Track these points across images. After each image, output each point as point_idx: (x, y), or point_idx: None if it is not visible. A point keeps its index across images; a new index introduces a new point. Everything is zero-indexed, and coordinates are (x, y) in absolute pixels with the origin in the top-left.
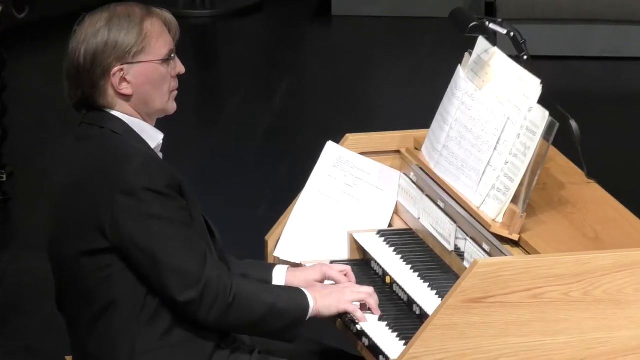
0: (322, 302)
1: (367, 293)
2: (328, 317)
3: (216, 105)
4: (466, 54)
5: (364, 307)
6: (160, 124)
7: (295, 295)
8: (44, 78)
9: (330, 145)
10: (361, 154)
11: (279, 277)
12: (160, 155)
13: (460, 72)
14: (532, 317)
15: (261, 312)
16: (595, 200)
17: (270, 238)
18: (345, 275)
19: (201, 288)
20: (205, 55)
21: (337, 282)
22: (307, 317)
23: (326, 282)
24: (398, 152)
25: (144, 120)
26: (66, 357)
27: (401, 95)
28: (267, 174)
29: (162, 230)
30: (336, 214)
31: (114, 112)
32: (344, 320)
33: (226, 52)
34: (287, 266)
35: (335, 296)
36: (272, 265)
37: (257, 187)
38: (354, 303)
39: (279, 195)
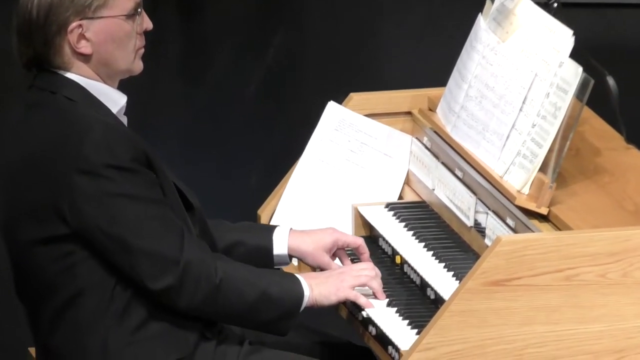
0: (318, 290)
1: (369, 276)
2: (328, 307)
3: (201, 62)
4: (487, 1)
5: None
6: (135, 83)
7: (288, 281)
8: None
9: (332, 106)
10: (367, 115)
11: (281, 240)
12: (124, 119)
13: (481, 22)
14: (563, 302)
15: (251, 299)
16: (636, 168)
17: (263, 212)
18: (358, 249)
19: (180, 273)
20: (189, 3)
21: (352, 248)
22: (302, 308)
23: (336, 261)
24: (409, 113)
25: (104, 82)
26: (29, 349)
27: (413, 50)
28: (260, 140)
29: (130, 210)
30: (338, 184)
31: (69, 75)
32: (348, 306)
33: (213, 0)
34: (288, 228)
35: (333, 283)
36: (272, 227)
37: (248, 154)
38: (357, 288)
39: (273, 163)
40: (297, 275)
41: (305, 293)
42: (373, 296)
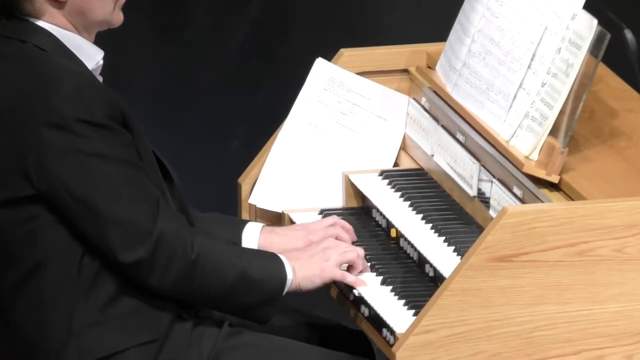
0: (302, 273)
1: (356, 253)
2: (314, 291)
3: (177, 15)
4: None
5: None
6: (102, 39)
7: (271, 263)
8: None
9: (320, 63)
10: (359, 73)
11: (251, 238)
12: (100, 79)
13: None
14: (575, 279)
15: (229, 280)
16: None
17: (244, 181)
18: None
19: (152, 245)
20: None
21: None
22: (284, 292)
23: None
24: (406, 71)
25: (80, 34)
26: None
27: (411, 0)
28: (241, 101)
29: (101, 172)
30: (328, 150)
31: (40, 23)
32: (338, 285)
33: None
34: (261, 225)
35: (317, 263)
36: (243, 223)
37: (228, 117)
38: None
39: (255, 127)
40: (281, 257)
41: (288, 276)
42: (360, 272)
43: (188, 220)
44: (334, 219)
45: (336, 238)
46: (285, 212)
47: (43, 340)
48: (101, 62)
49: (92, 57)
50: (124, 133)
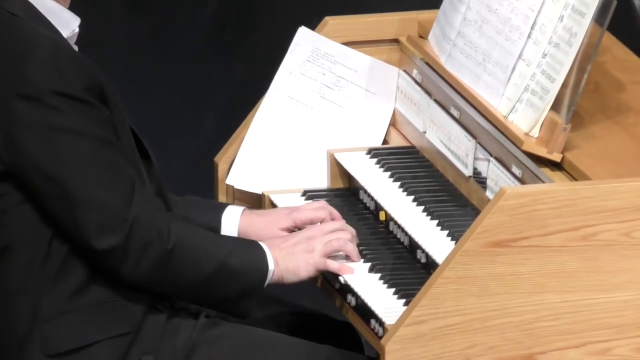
0: (285, 264)
1: (343, 239)
2: (298, 284)
3: None
4: None
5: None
6: (74, 6)
7: (251, 252)
8: None
9: (303, 33)
10: (345, 44)
11: (231, 223)
12: (76, 48)
13: None
14: (579, 266)
15: (207, 271)
16: None
17: (220, 160)
18: (323, 221)
19: (126, 232)
20: None
21: (316, 222)
22: (266, 284)
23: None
24: (396, 41)
25: None
26: None
27: None
28: (217, 73)
29: (75, 150)
30: (311, 126)
31: None
32: (323, 272)
33: None
34: (242, 208)
35: (300, 254)
36: (222, 207)
37: (204, 90)
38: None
39: (233, 101)
40: (262, 245)
41: (269, 267)
42: (349, 259)
43: (165, 204)
44: (322, 203)
45: (323, 222)
46: (266, 194)
47: (6, 329)
48: (77, 30)
49: (67, 24)
50: (102, 108)
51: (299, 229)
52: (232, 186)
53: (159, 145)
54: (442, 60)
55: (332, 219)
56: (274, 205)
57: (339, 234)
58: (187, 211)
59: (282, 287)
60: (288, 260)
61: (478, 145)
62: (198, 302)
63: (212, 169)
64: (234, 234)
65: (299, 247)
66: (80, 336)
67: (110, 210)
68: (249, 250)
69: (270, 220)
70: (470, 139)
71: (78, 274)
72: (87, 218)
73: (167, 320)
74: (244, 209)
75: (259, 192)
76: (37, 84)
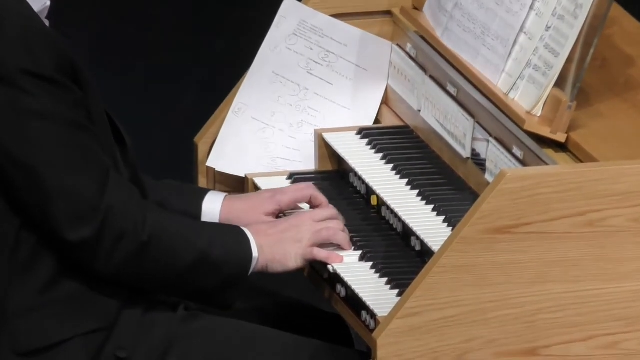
0: (271, 253)
1: (334, 228)
2: (283, 274)
3: None
4: None
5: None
6: None
7: (233, 239)
8: None
9: (289, 4)
10: (334, 16)
11: (212, 210)
12: (47, 23)
13: None
14: (585, 254)
15: (186, 263)
16: None
17: (200, 140)
18: (318, 207)
19: (98, 223)
20: None
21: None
22: (249, 273)
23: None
24: (389, 13)
25: None
26: None
27: None
28: (198, 47)
29: (46, 134)
30: (298, 104)
31: None
32: (312, 262)
33: None
34: (224, 194)
35: (288, 242)
36: (203, 192)
37: (183, 66)
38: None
39: (214, 77)
40: (246, 231)
41: (253, 255)
42: (339, 247)
43: (141, 192)
44: (307, 184)
45: (310, 202)
46: (249, 177)
47: None
48: (48, 3)
49: None
50: (74, 89)
51: (284, 214)
52: (213, 169)
53: (135, 126)
54: (438, 33)
55: (318, 204)
56: (257, 189)
57: (329, 222)
58: (165, 197)
59: (267, 276)
60: (274, 249)
61: (476, 125)
62: (177, 294)
63: (191, 150)
64: (215, 220)
65: (286, 235)
66: (52, 333)
67: (81, 200)
68: (231, 237)
69: (253, 205)
70: (468, 118)
71: (48, 266)
72: (57, 207)
73: (143, 314)
74: (226, 195)
75: (242, 175)
76: (5, 62)
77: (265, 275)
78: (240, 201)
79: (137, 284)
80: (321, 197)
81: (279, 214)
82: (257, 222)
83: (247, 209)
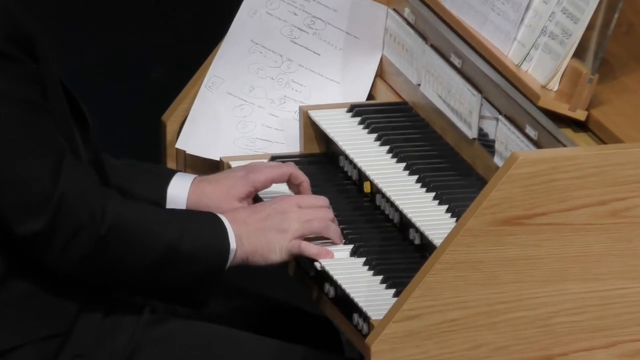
0: (251, 244)
1: (324, 218)
2: (265, 267)
3: None
4: None
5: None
6: None
7: (208, 230)
8: None
9: None
10: None
11: (178, 194)
12: None
13: None
14: (608, 248)
15: (152, 257)
16: None
17: (169, 119)
18: (299, 187)
19: (51, 213)
20: None
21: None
22: (226, 268)
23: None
24: None
25: None
26: None
27: None
28: (167, 13)
29: None
30: (280, 77)
31: None
32: (297, 258)
33: None
34: (192, 176)
35: (271, 233)
36: (169, 174)
37: (150, 34)
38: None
39: (184, 46)
40: (222, 218)
41: (230, 247)
42: (327, 241)
43: (102, 178)
44: (288, 164)
45: (289, 182)
46: (224, 160)
47: None
48: None
49: None
50: (27, 63)
51: (259, 199)
52: (184, 151)
53: (97, 103)
54: None
55: (299, 184)
56: None
57: (319, 212)
58: (127, 179)
59: (246, 269)
60: (255, 239)
61: (484, 101)
62: (142, 294)
63: (158, 130)
64: (182, 207)
65: (269, 223)
66: (1, 339)
67: (32, 188)
68: (204, 226)
69: (225, 188)
70: (475, 93)
71: None
72: (5, 197)
73: (104, 318)
74: (195, 178)
75: (216, 158)
76: None
77: (244, 272)
78: (210, 185)
79: (97, 281)
80: (302, 176)
81: (255, 197)
82: (231, 208)
83: (219, 193)
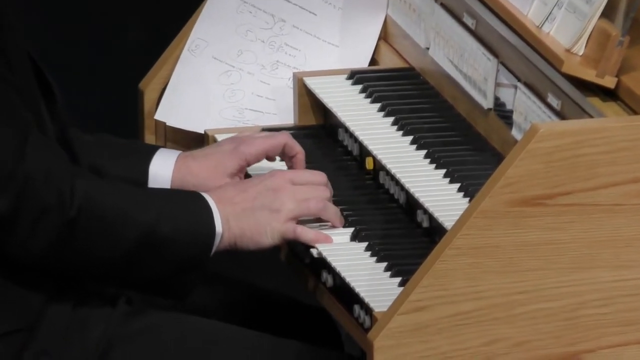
0: (239, 226)
1: (322, 200)
2: (256, 252)
3: None
4: None
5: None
6: None
7: (191, 211)
8: None
9: None
10: None
11: (162, 173)
12: None
13: None
14: None
15: (128, 242)
16: None
17: (147, 87)
18: (293, 159)
19: (15, 193)
20: None
21: (275, 156)
22: (212, 253)
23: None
24: None
25: None
26: None
27: None
28: None
29: None
30: (272, 40)
31: None
32: (289, 242)
33: None
34: (177, 152)
35: (262, 213)
36: (151, 150)
37: None
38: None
39: (163, 7)
40: (207, 198)
41: (216, 230)
42: (326, 224)
43: (71, 155)
44: (281, 133)
45: (283, 154)
46: (209, 133)
47: None
48: None
49: None
50: None
51: (248, 175)
52: (164, 123)
53: (65, 70)
54: None
55: (293, 155)
56: None
57: (316, 190)
58: (101, 157)
59: (234, 255)
60: (243, 221)
61: (501, 67)
62: (117, 284)
63: (135, 100)
64: (166, 187)
65: (259, 202)
66: None
67: None
68: (186, 207)
69: (213, 165)
70: (490, 57)
71: None
72: None
73: (74, 310)
74: (180, 153)
75: (200, 130)
76: None
77: (231, 258)
78: (195, 161)
79: (66, 271)
80: (297, 147)
81: (245, 172)
82: (212, 182)
83: (205, 170)
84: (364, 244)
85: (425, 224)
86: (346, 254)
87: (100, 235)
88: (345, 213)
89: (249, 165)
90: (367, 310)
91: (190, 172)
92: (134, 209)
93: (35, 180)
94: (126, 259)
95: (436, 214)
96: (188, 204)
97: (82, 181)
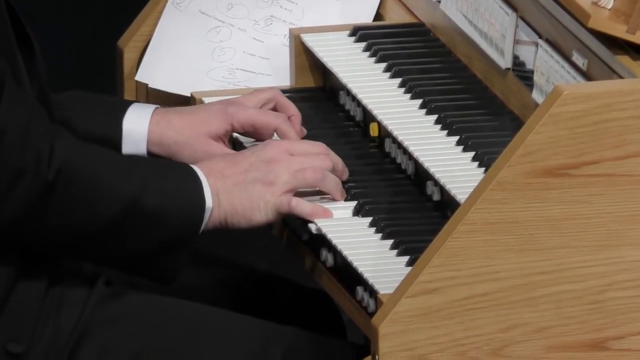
0: (230, 200)
1: (320, 170)
2: (248, 229)
3: None
4: None
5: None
6: None
7: (178, 182)
8: None
9: None
10: None
11: (137, 127)
12: None
13: None
14: None
15: (109, 213)
16: None
17: (127, 45)
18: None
19: None
20: None
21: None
22: (200, 231)
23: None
24: None
25: None
26: None
27: None
28: None
29: None
30: None
31: None
32: (286, 218)
33: None
34: (152, 107)
35: (255, 187)
36: (124, 105)
37: None
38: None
39: None
40: (196, 170)
41: (206, 204)
42: (326, 196)
43: (50, 112)
44: (274, 91)
45: (275, 108)
46: (195, 96)
47: None
48: None
49: None
50: None
51: (242, 147)
52: (145, 84)
53: (44, 25)
54: None
55: (288, 117)
56: None
57: (316, 159)
58: (72, 112)
59: (224, 232)
60: (235, 196)
61: (520, 22)
62: (95, 261)
63: (113, 59)
64: (142, 145)
65: (252, 175)
66: None
67: None
68: (174, 178)
69: (198, 122)
70: (509, 11)
71: None
72: None
73: (47, 291)
74: (156, 109)
75: (186, 93)
76: None
77: (221, 234)
78: (179, 116)
79: (39, 243)
80: (292, 107)
81: (232, 137)
82: (203, 148)
83: (189, 126)
84: (368, 219)
85: (436, 197)
86: (348, 230)
87: (79, 204)
88: (347, 185)
89: (234, 131)
90: (372, 292)
91: (171, 127)
92: (116, 176)
93: (10, 138)
94: (106, 232)
95: (448, 186)
96: (176, 174)
97: (62, 142)
